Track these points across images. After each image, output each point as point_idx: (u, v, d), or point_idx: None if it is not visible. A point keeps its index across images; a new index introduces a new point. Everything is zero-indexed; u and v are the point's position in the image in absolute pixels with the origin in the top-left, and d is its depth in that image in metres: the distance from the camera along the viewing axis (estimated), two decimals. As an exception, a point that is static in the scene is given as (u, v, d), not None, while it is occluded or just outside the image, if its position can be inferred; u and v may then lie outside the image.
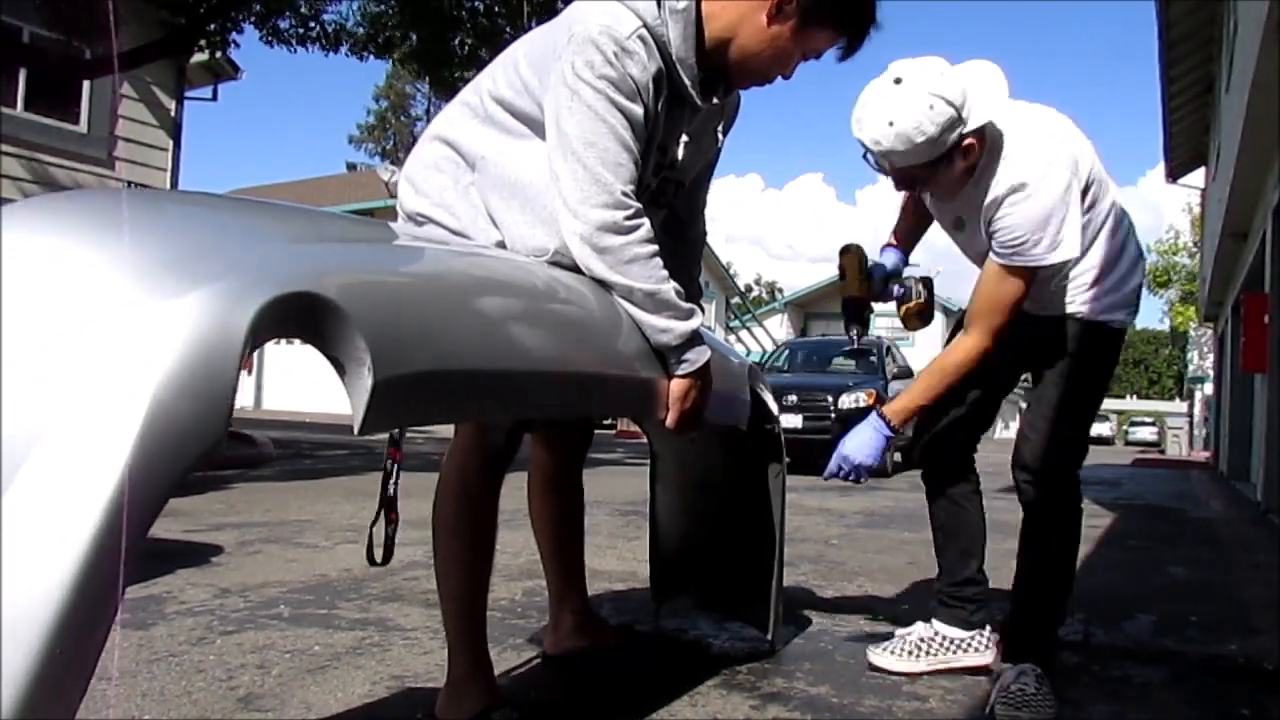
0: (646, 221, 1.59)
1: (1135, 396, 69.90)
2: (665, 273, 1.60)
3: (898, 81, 1.83)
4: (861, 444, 2.10)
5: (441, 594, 1.82)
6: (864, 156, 1.93)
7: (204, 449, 0.87)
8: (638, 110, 1.58)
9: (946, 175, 1.94)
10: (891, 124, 1.82)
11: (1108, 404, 62.32)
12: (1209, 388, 22.12)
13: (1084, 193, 1.97)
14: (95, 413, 0.82)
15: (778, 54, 1.69)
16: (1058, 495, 2.11)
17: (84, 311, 0.86)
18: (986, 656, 2.24)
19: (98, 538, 0.79)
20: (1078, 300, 2.08)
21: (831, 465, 2.14)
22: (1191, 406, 30.00)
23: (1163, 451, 26.90)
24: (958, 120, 1.83)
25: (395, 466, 1.58)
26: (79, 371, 0.83)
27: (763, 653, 2.39)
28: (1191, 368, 27.61)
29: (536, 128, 1.65)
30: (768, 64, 1.71)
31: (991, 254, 1.98)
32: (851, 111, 1.91)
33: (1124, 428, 46.14)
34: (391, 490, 1.58)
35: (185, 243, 0.97)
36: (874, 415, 2.12)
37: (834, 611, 2.96)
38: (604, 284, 1.58)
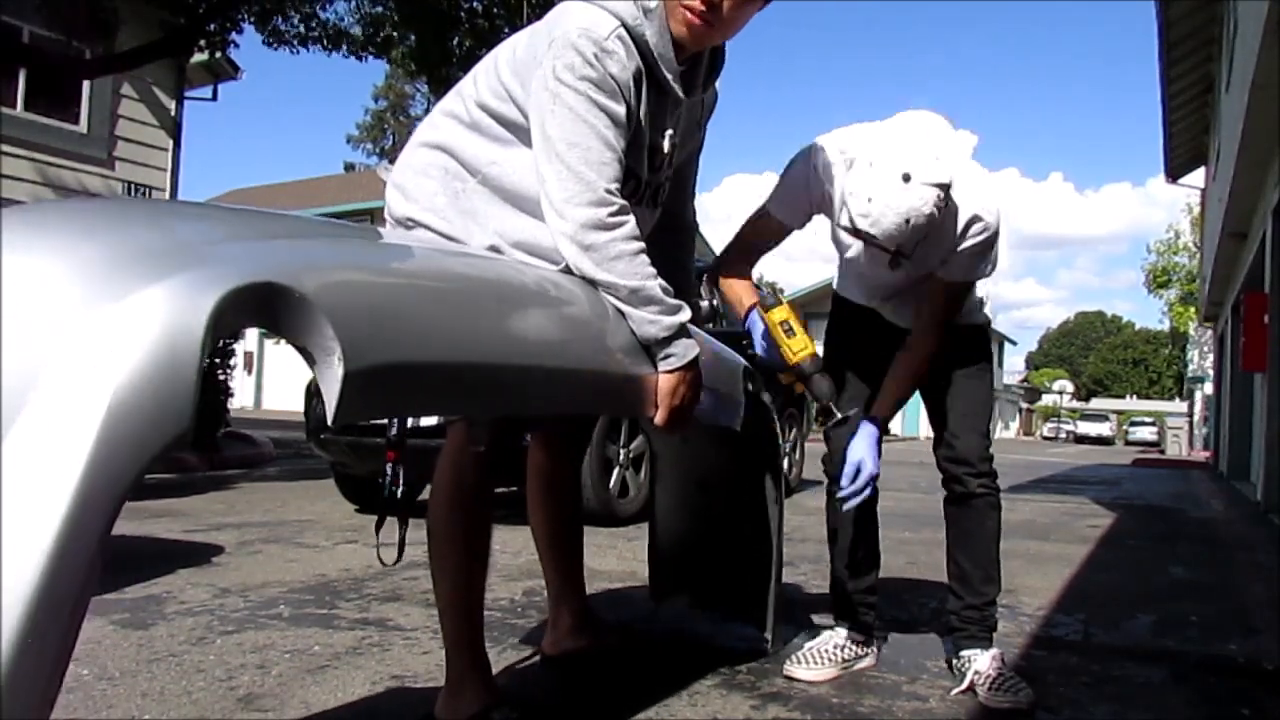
0: (631, 219, 1.61)
1: (1135, 396, 69.86)
2: (652, 270, 1.62)
3: (906, 179, 1.86)
4: (869, 451, 2.15)
5: (438, 595, 1.82)
6: (859, 235, 1.95)
7: (169, 439, 0.87)
8: (619, 109, 1.60)
9: None
10: (909, 222, 1.88)
11: (1108, 404, 62.26)
12: (1209, 388, 22.09)
13: None
14: (53, 411, 0.82)
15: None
16: (993, 481, 2.27)
17: (39, 315, 0.87)
18: (872, 659, 2.40)
19: (61, 535, 0.79)
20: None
21: (848, 478, 2.14)
22: (1191, 406, 29.94)
23: (1163, 451, 26.85)
24: (949, 195, 1.94)
25: (394, 469, 1.58)
26: (34, 373, 0.83)
27: (762, 652, 2.39)
28: (1191, 368, 27.58)
29: (521, 134, 1.66)
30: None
31: (946, 277, 2.13)
32: (850, 202, 1.90)
33: (1124, 428, 46.06)
34: (391, 492, 1.58)
35: (144, 243, 0.98)
36: (865, 422, 2.17)
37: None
38: (594, 282, 1.59)
